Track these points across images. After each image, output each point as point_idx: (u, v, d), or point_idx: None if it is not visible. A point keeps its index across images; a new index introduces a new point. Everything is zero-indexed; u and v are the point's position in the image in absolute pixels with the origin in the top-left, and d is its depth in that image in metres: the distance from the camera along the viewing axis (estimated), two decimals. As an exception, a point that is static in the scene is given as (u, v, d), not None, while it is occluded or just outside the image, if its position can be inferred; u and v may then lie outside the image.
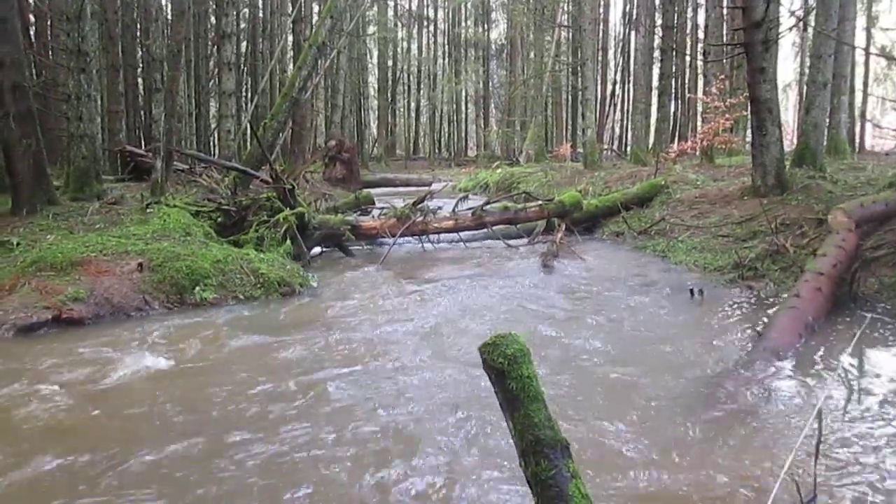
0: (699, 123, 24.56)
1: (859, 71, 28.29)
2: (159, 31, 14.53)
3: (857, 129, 26.73)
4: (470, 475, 3.21)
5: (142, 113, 24.08)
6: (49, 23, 19.17)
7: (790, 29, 23.82)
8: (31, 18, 18.81)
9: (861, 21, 27.05)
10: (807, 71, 16.09)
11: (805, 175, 11.12)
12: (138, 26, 22.69)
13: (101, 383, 4.42)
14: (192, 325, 5.90)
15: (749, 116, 11.48)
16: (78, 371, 4.61)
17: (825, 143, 14.13)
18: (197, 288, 6.69)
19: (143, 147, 18.17)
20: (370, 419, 3.86)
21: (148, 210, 9.23)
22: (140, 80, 23.75)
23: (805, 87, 14.23)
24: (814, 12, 12.94)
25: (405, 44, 48.22)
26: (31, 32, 18.67)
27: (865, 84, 30.12)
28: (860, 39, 27.21)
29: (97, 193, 11.00)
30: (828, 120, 14.84)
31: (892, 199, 7.65)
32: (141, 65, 23.01)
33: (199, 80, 26.81)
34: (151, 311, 6.33)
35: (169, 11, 22.27)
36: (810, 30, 14.95)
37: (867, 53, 27.20)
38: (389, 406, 4.05)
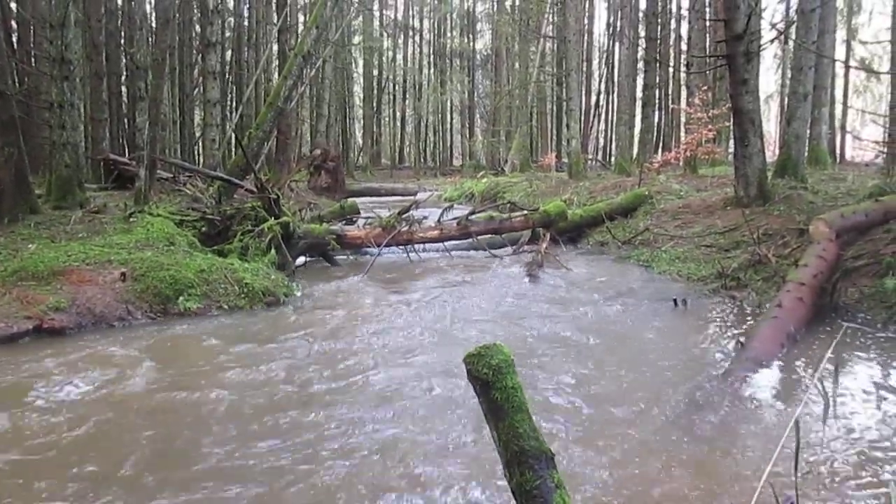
0: (682, 134, 24.79)
1: (839, 83, 28.74)
2: (144, 39, 14.45)
3: (838, 140, 27.15)
4: (457, 487, 3.20)
5: (125, 121, 23.96)
6: (32, 30, 19.04)
7: (771, 41, 24.14)
8: (14, 25, 18.69)
9: (841, 34, 27.50)
10: (788, 83, 16.28)
11: (787, 185, 11.25)
12: (122, 34, 22.61)
13: (79, 393, 4.37)
14: (175, 335, 5.86)
15: (732, 127, 11.60)
16: (55, 381, 4.56)
17: (806, 153, 14.31)
18: (181, 298, 6.65)
19: (126, 156, 18.06)
20: (353, 430, 3.85)
21: (131, 219, 9.16)
22: (124, 89, 23.66)
23: (786, 99, 14.43)
24: (794, 25, 13.14)
25: (391, 53, 48.36)
26: (14, 40, 18.55)
27: (845, 96, 30.58)
28: (840, 52, 27.66)
29: (80, 202, 10.92)
30: (809, 131, 15.03)
31: (872, 210, 7.75)
32: (125, 73, 22.90)
33: (184, 88, 26.74)
34: (134, 321, 6.28)
35: (153, 20, 22.22)
36: (791, 42, 15.14)
37: (847, 66, 27.61)
38: (373, 417, 4.04)
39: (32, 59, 18.67)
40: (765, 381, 4.59)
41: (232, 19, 31.18)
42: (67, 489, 3.16)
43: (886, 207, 7.82)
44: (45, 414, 4.03)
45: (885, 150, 13.94)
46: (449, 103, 49.05)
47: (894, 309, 6.07)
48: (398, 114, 50.36)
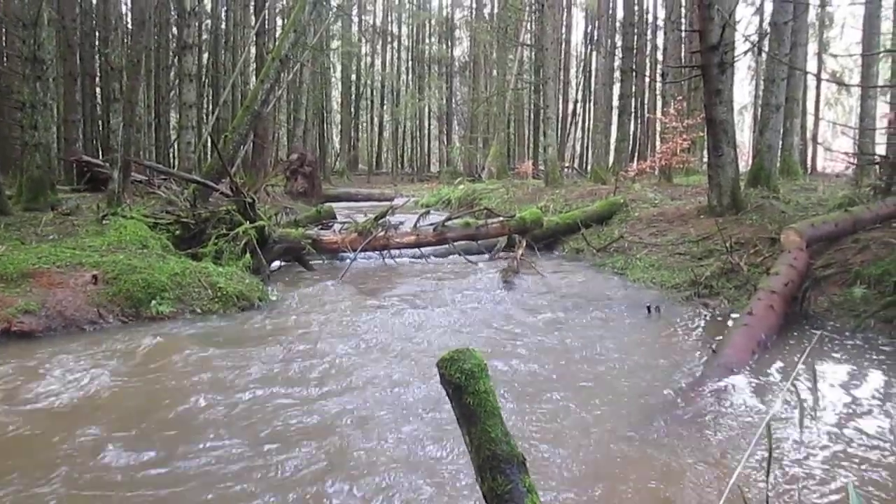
0: (658, 143, 25.04)
1: (811, 95, 29.22)
2: (119, 40, 14.32)
3: (809, 151, 27.59)
4: (426, 493, 3.20)
5: (99, 123, 23.72)
6: (4, 29, 18.79)
7: (745, 53, 24.50)
8: (-14, 24, 18.43)
9: (813, 47, 27.97)
10: (761, 94, 16.54)
11: (759, 195, 11.42)
12: (97, 35, 22.38)
13: (44, 397, 4.30)
14: (146, 340, 5.78)
15: (706, 137, 11.75)
16: (21, 384, 4.48)
17: (778, 164, 14.55)
18: (153, 301, 6.57)
19: (100, 157, 17.87)
20: (322, 436, 3.83)
21: (104, 221, 9.06)
22: (98, 90, 23.40)
23: (759, 110, 14.64)
24: (768, 37, 13.35)
25: (369, 59, 48.40)
26: (-14, 38, 18.29)
27: (817, 108, 31.08)
28: (812, 65, 28.11)
29: (51, 204, 10.79)
30: (781, 142, 15.27)
31: (842, 220, 7.89)
32: (99, 74, 22.68)
33: (160, 90, 26.50)
34: (106, 325, 6.20)
35: (129, 20, 22.02)
36: (764, 54, 15.38)
37: (818, 79, 28.07)
38: (344, 423, 4.03)
39: (5, 58, 18.42)
40: (736, 388, 4.64)
41: (209, 21, 31.00)
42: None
43: (855, 218, 7.98)
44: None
45: (855, 161, 14.18)
46: (427, 110, 49.12)
47: (862, 317, 6.18)
48: (376, 119, 50.37)
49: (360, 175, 42.12)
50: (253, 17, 27.41)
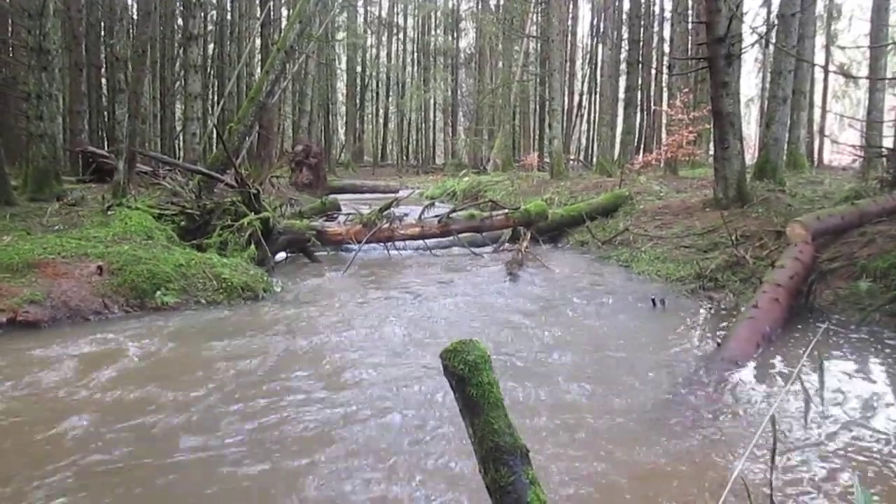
0: (664, 135, 24.95)
1: (818, 88, 29.07)
2: (124, 30, 14.32)
3: (816, 144, 27.46)
4: (429, 484, 3.20)
5: (105, 113, 23.75)
6: (10, 19, 18.80)
7: (752, 45, 24.36)
8: (-8, 15, 18.44)
9: (820, 39, 27.81)
10: (768, 86, 16.45)
11: (765, 188, 11.38)
12: (103, 25, 22.36)
13: (49, 387, 4.32)
14: (151, 330, 5.80)
15: (712, 130, 11.70)
16: (26, 374, 4.50)
17: (785, 157, 14.49)
18: (158, 292, 6.59)
19: (105, 148, 17.90)
20: (326, 428, 3.84)
21: (109, 212, 9.06)
22: (104, 80, 23.41)
23: (766, 102, 14.57)
24: (775, 29, 13.28)
25: (374, 50, 48.31)
26: (-9, 29, 18.31)
27: (824, 100, 30.94)
28: (820, 57, 27.95)
29: (57, 194, 10.80)
30: (788, 135, 15.21)
31: (848, 213, 7.86)
32: (105, 64, 22.69)
33: (165, 81, 26.48)
34: (111, 315, 6.22)
35: (134, 11, 22.00)
36: (772, 46, 15.31)
37: (826, 71, 27.93)
38: (346, 414, 4.03)
39: (10, 49, 18.44)
40: (740, 381, 4.63)
41: (214, 12, 30.93)
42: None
43: (862, 211, 7.94)
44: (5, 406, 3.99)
45: (862, 154, 14.13)
46: (432, 101, 48.97)
47: (868, 310, 6.16)
48: (381, 111, 50.36)
49: (365, 167, 42.10)
50: (258, 8, 27.40)
